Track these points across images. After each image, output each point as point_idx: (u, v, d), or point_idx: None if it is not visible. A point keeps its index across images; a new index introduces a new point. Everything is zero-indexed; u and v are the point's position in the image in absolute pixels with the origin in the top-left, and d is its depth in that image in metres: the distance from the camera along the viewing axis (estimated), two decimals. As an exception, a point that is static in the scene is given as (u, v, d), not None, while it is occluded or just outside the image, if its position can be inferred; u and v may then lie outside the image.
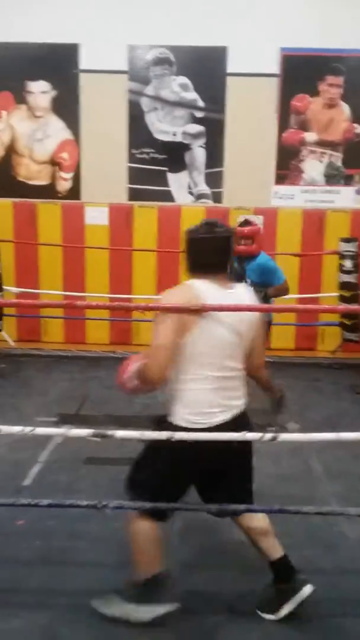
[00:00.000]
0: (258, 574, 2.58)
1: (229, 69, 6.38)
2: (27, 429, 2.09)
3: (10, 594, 2.42)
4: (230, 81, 6.41)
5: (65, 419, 4.30)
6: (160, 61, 6.48)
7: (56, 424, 4.20)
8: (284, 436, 2.40)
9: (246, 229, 4.33)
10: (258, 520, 2.38)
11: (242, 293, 2.36)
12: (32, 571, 2.58)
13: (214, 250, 2.30)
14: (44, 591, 2.45)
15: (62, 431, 2.20)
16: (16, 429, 2.10)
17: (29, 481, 3.40)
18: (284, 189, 6.59)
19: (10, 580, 2.50)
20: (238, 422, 2.24)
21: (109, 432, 2.10)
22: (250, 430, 2.20)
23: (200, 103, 6.52)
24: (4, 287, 6.01)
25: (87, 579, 2.54)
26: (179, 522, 2.91)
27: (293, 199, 6.57)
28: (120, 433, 2.16)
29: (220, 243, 2.31)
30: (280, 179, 6.57)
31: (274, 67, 6.34)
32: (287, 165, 6.55)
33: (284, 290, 4.35)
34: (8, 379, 5.35)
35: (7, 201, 6.56)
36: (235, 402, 2.28)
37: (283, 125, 6.48)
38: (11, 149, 6.67)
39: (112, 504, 2.32)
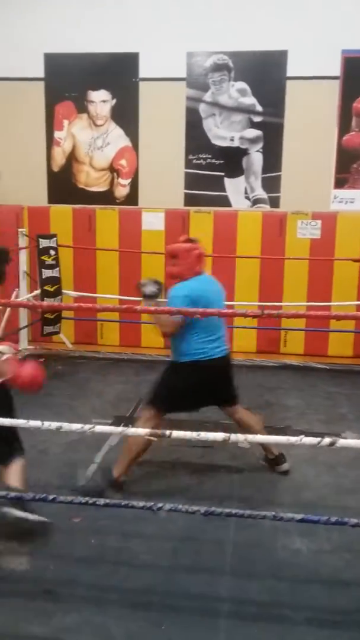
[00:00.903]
0: (312, 585, 2.51)
1: (289, 73, 6.32)
2: (87, 427, 2.11)
3: (65, 590, 2.44)
4: (290, 85, 6.34)
5: (120, 421, 4.34)
6: (218, 67, 6.49)
7: (111, 426, 4.24)
8: (343, 442, 2.32)
9: (170, 246, 3.54)
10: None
11: None
12: (87, 568, 2.60)
13: None
14: (98, 588, 2.46)
15: (120, 430, 2.21)
16: (76, 426, 2.12)
17: (84, 481, 3.43)
18: (344, 192, 6.44)
19: (65, 576, 2.53)
20: None
21: (167, 432, 2.08)
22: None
23: (259, 107, 6.48)
24: (63, 290, 6.15)
25: (141, 579, 2.54)
26: (233, 530, 2.87)
27: (354, 202, 6.41)
28: (176, 433, 2.14)
29: None
30: (340, 183, 6.43)
31: (335, 69, 6.22)
32: (347, 169, 6.40)
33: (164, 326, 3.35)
34: (65, 381, 5.45)
35: (67, 207, 6.72)
36: None
37: (344, 128, 6.34)
38: (72, 157, 6.85)
39: (167, 507, 2.31)
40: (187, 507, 2.25)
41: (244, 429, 3.42)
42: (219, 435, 2.13)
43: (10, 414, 3.02)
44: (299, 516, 2.21)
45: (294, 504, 3.17)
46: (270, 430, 4.13)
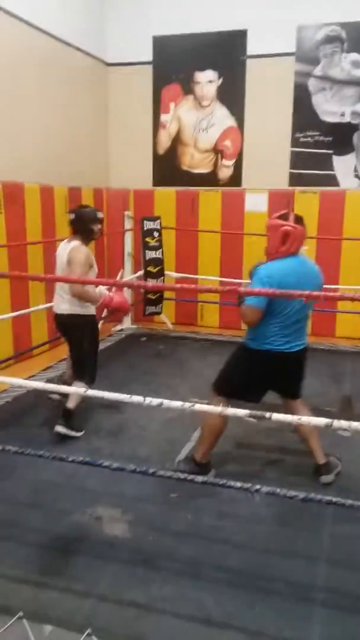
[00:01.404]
0: None
1: None
2: (187, 405, 2.15)
3: (163, 561, 2.52)
4: None
5: (218, 402, 4.37)
6: (330, 39, 6.20)
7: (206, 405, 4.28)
8: None
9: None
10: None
11: None
12: (184, 543, 2.66)
13: None
14: (193, 563, 2.51)
15: (219, 409, 2.22)
16: (176, 404, 2.16)
17: (182, 457, 3.50)
18: None
19: (163, 548, 2.61)
20: None
21: (267, 414, 2.07)
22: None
23: (373, 80, 6.12)
24: (166, 272, 6.26)
25: (236, 559, 2.56)
26: (331, 520, 2.80)
27: None
28: (277, 416, 2.12)
29: None
30: None
31: None
32: None
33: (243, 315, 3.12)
34: (166, 360, 5.58)
35: (171, 190, 6.81)
36: None
37: None
38: (177, 140, 6.90)
39: (264, 489, 2.30)
40: (285, 492, 2.22)
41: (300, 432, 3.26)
42: (321, 421, 2.07)
43: (96, 343, 3.97)
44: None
45: None
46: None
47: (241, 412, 2.20)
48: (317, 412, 4.13)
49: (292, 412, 3.11)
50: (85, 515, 2.84)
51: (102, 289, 3.92)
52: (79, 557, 2.54)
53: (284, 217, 3.05)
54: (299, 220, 3.04)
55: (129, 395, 2.32)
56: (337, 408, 4.36)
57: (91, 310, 3.86)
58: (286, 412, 2.94)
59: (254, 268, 3.11)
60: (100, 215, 3.86)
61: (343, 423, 2.05)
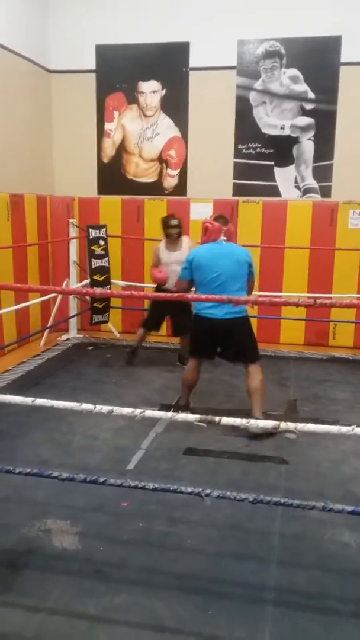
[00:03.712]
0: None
1: (343, 59, 6.17)
2: (138, 411, 2.15)
3: (114, 571, 2.49)
4: (344, 71, 6.20)
5: (166, 409, 4.37)
6: (270, 54, 6.41)
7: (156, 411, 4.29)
8: None
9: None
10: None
11: None
12: (135, 551, 2.64)
13: None
14: (146, 571, 2.50)
15: (170, 415, 2.24)
16: (127, 410, 2.16)
17: (131, 466, 3.49)
18: None
19: (114, 558, 2.58)
20: None
21: (216, 418, 2.09)
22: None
23: (311, 95, 6.36)
24: (112, 280, 6.24)
25: (188, 564, 2.56)
26: (280, 521, 2.86)
27: None
28: (226, 420, 2.15)
29: None
30: (395, 171, 6.24)
31: (392, 53, 6.04)
32: None
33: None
34: (113, 368, 5.54)
35: (117, 198, 6.81)
36: None
37: None
38: (122, 148, 6.92)
39: (214, 493, 2.33)
40: (235, 495, 2.25)
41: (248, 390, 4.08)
42: (269, 423, 2.12)
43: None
44: (349, 508, 2.18)
45: (342, 497, 3.12)
46: (319, 423, 4.07)
47: (192, 416, 2.22)
48: (264, 416, 4.23)
49: (247, 376, 4.04)
50: (33, 528, 2.77)
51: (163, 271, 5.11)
52: (28, 572, 2.47)
53: (215, 217, 4.15)
54: (219, 218, 4.11)
55: (78, 404, 2.30)
56: (283, 412, 4.46)
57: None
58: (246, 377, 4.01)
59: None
60: (172, 221, 5.18)
61: (290, 425, 2.11)
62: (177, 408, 4.28)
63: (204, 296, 3.51)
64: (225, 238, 4.04)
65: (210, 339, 4.04)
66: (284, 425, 2.08)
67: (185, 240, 5.25)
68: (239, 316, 3.94)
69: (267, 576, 2.49)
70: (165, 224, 5.19)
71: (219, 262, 3.89)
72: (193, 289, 4.12)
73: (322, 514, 2.74)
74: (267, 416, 4.21)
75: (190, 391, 4.31)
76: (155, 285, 5.33)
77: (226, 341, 4.02)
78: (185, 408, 4.28)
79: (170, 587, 2.40)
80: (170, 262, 5.12)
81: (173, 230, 5.15)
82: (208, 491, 2.28)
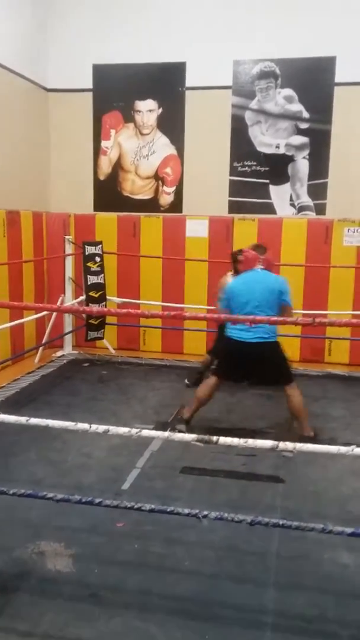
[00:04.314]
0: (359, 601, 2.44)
1: (337, 79, 6.26)
2: (134, 431, 2.12)
3: (109, 594, 2.44)
4: (337, 91, 6.28)
5: (162, 427, 4.34)
6: (265, 75, 6.49)
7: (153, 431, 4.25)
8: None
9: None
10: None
11: None
12: (131, 573, 2.59)
13: None
14: (141, 594, 2.45)
15: (166, 434, 2.21)
16: (123, 430, 2.13)
17: (127, 485, 3.44)
18: (393, 199, 6.30)
19: (109, 580, 2.53)
20: None
21: (214, 438, 2.07)
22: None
23: (305, 114, 6.44)
24: (107, 297, 6.23)
25: (185, 586, 2.51)
26: (277, 542, 2.82)
27: None
28: (224, 439, 2.12)
29: None
30: (389, 190, 6.30)
31: (386, 74, 6.13)
32: None
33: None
34: (109, 386, 5.50)
35: (113, 215, 6.83)
36: None
37: (393, 134, 6.22)
38: (118, 166, 6.96)
39: (212, 515, 2.29)
40: (233, 516, 2.22)
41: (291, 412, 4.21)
42: (266, 443, 2.10)
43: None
44: (349, 530, 2.15)
45: (340, 516, 3.08)
46: (315, 440, 4.06)
47: (188, 436, 2.19)
48: (260, 434, 4.20)
49: (287, 398, 4.15)
50: (26, 550, 2.72)
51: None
52: (21, 595, 2.42)
53: (253, 247, 4.40)
54: (257, 248, 4.37)
55: (74, 423, 2.27)
56: (279, 430, 4.43)
57: None
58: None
59: None
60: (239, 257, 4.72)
61: (288, 445, 2.09)
62: (179, 421, 4.34)
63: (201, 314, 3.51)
64: (262, 266, 4.16)
65: (239, 362, 4.06)
66: (282, 445, 2.06)
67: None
68: (269, 341, 4.02)
69: (265, 599, 2.45)
70: (235, 258, 4.77)
71: (250, 289, 4.01)
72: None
73: (320, 535, 2.70)
74: (263, 435, 4.19)
75: (199, 408, 4.32)
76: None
77: (257, 366, 4.02)
78: (187, 422, 4.30)
79: (167, 610, 2.36)
80: None
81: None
82: (205, 512, 2.25)
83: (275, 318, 3.36)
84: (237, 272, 4.77)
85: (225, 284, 4.77)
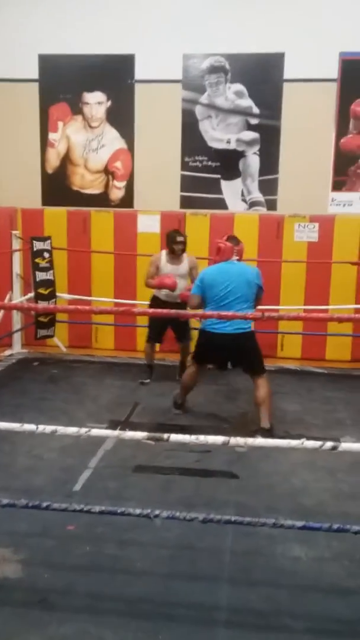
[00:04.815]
0: (312, 593, 2.46)
1: (286, 75, 6.31)
2: (83, 431, 2.05)
3: (60, 599, 2.37)
4: (287, 87, 6.33)
5: (115, 426, 4.27)
6: (215, 69, 6.47)
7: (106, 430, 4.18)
8: (345, 446, 2.27)
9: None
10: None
11: None
12: (82, 577, 2.53)
13: None
14: (93, 597, 2.39)
15: (116, 433, 2.15)
16: (72, 430, 2.06)
17: (78, 486, 3.36)
18: (341, 195, 6.42)
19: (60, 585, 2.46)
20: None
21: (164, 436, 2.03)
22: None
23: (255, 110, 6.46)
24: (57, 294, 6.09)
25: (137, 587, 2.47)
26: (231, 538, 2.81)
27: (352, 205, 6.39)
28: (175, 437, 2.08)
29: None
30: (338, 186, 6.41)
31: (333, 71, 6.23)
32: (345, 172, 6.39)
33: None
34: (60, 385, 5.38)
35: (62, 210, 6.67)
36: None
37: (341, 130, 6.33)
38: (66, 159, 6.80)
39: (164, 514, 2.25)
40: (185, 515, 2.19)
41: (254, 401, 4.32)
42: (218, 439, 2.07)
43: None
44: (299, 523, 2.15)
45: (293, 510, 3.10)
46: (270, 435, 4.09)
47: (139, 434, 2.14)
48: (214, 429, 4.19)
49: (255, 388, 4.26)
50: (-28, 557, 2.60)
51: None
52: (-34, 606, 2.31)
53: (227, 238, 4.34)
54: (231, 239, 4.34)
55: (19, 424, 2.18)
56: (234, 425, 4.44)
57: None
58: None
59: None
60: (179, 238, 5.16)
61: (239, 440, 2.07)
62: (174, 406, 4.62)
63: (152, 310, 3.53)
64: (237, 258, 4.28)
65: (218, 352, 4.27)
66: (233, 440, 2.04)
67: (185, 256, 5.22)
68: (247, 331, 4.17)
69: (219, 596, 2.43)
70: (172, 239, 5.15)
71: (228, 281, 4.09)
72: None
73: (272, 530, 2.71)
74: (218, 430, 4.18)
75: (188, 392, 4.58)
76: (150, 299, 5.29)
77: (235, 355, 4.28)
78: (181, 406, 4.60)
79: (119, 613, 2.30)
80: (175, 275, 5.10)
81: (178, 246, 5.15)
82: (157, 512, 2.21)
83: (224, 313, 3.34)
84: (172, 252, 5.15)
85: (157, 262, 5.18)
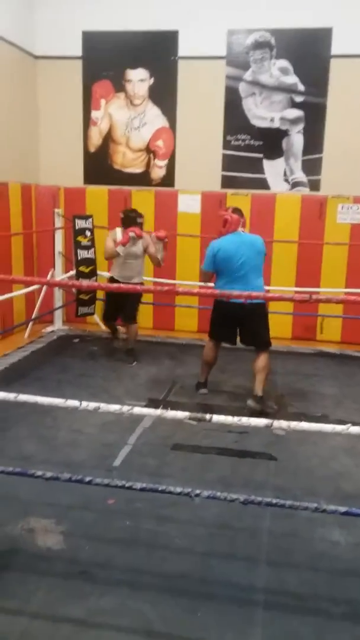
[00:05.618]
0: (351, 578, 2.44)
1: (334, 51, 6.10)
2: (125, 409, 2.07)
3: (100, 571, 2.42)
4: (334, 63, 6.14)
5: (153, 404, 4.31)
6: (260, 45, 6.31)
7: (145, 408, 4.22)
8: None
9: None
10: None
11: None
12: (122, 551, 2.58)
13: None
14: (132, 571, 2.43)
15: (159, 412, 2.16)
16: (114, 407, 2.08)
17: (118, 462, 3.42)
18: (389, 175, 6.22)
19: (100, 558, 2.51)
20: None
21: (207, 416, 2.03)
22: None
23: (301, 87, 6.29)
24: (98, 272, 6.13)
25: (176, 564, 2.50)
26: (269, 519, 2.81)
27: None
28: (217, 417, 2.08)
29: None
30: (385, 165, 6.21)
31: (384, 46, 5.98)
32: (392, 151, 6.17)
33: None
34: (99, 362, 5.45)
35: (103, 188, 6.68)
36: None
37: (391, 107, 6.10)
38: (108, 138, 6.79)
39: (204, 494, 2.26)
40: (226, 495, 2.19)
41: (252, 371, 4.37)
42: (261, 421, 2.06)
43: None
44: (342, 509, 2.13)
45: (332, 494, 3.08)
46: (307, 418, 4.06)
47: (181, 414, 2.15)
48: (251, 410, 4.18)
49: (255, 358, 4.34)
50: (16, 527, 2.68)
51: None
52: (10, 573, 2.39)
53: (229, 210, 4.40)
54: (236, 211, 4.38)
55: (63, 400, 2.21)
56: (272, 407, 4.42)
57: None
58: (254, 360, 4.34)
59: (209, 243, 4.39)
60: (139, 219, 5.26)
61: (282, 424, 2.05)
62: (197, 386, 4.63)
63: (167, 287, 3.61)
64: (243, 229, 4.36)
65: (233, 323, 4.34)
66: (276, 423, 2.02)
67: (145, 235, 5.24)
68: (260, 302, 4.28)
69: (257, 577, 2.44)
70: (132, 219, 5.19)
71: (242, 253, 4.17)
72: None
73: (312, 513, 2.69)
74: (255, 411, 4.17)
75: (210, 369, 4.61)
76: (109, 276, 5.46)
77: (247, 325, 4.32)
78: (204, 385, 4.63)
79: (158, 588, 2.34)
80: (129, 254, 5.18)
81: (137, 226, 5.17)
82: (198, 492, 2.22)
83: (271, 295, 3.33)
84: (126, 228, 5.13)
85: (116, 239, 5.18)
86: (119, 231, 5.27)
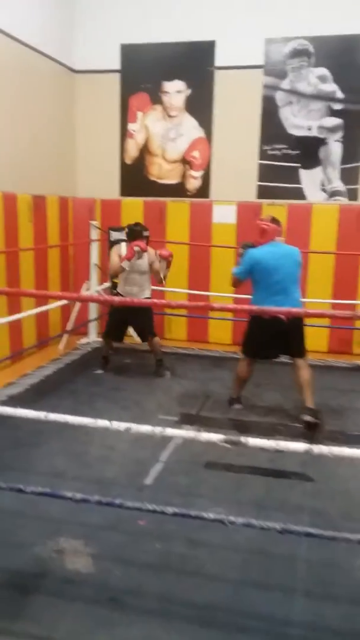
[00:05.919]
0: None
1: (374, 57, 5.94)
2: (157, 430, 2.00)
3: (130, 598, 2.35)
4: (375, 70, 5.97)
5: (186, 419, 4.23)
6: (298, 53, 6.21)
7: (177, 424, 4.14)
8: None
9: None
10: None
11: None
12: (151, 576, 2.50)
13: None
14: (162, 599, 2.35)
15: (192, 434, 2.08)
16: (145, 428, 2.01)
17: (150, 480, 3.34)
18: None
19: (130, 584, 2.44)
20: None
21: (242, 439, 1.93)
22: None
23: (340, 94, 6.16)
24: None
25: (208, 592, 2.40)
26: (306, 545, 2.68)
27: None
28: (253, 441, 1.99)
29: None
30: None
31: None
32: None
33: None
34: (132, 375, 5.41)
35: (139, 200, 6.68)
36: None
37: None
38: (144, 149, 6.79)
39: (239, 521, 2.16)
40: (261, 523, 2.09)
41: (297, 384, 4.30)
42: (300, 446, 1.95)
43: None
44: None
45: (372, 520, 2.93)
46: (345, 437, 3.91)
47: (215, 437, 2.06)
48: (286, 429, 4.05)
49: (295, 369, 4.26)
50: (46, 547, 2.64)
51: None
52: (38, 596, 2.34)
53: (267, 219, 4.34)
54: (273, 220, 4.32)
55: (94, 420, 2.16)
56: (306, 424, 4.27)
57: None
58: (293, 369, 4.26)
59: (244, 246, 4.39)
60: (145, 232, 5.08)
61: (323, 449, 1.94)
62: (231, 401, 4.54)
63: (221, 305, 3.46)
64: (281, 239, 4.33)
65: (272, 338, 4.21)
66: (316, 449, 1.92)
67: (150, 250, 5.15)
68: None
69: (293, 609, 2.32)
70: (137, 232, 5.04)
71: (281, 264, 4.14)
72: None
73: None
74: (290, 429, 4.05)
75: (245, 385, 4.54)
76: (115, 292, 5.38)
77: (286, 338, 4.22)
78: (238, 401, 4.55)
79: (189, 618, 2.25)
80: (134, 269, 5.09)
81: (143, 241, 5.05)
82: (232, 518, 2.12)
83: (312, 311, 3.22)
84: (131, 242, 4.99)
85: (120, 254, 5.04)
86: (124, 246, 5.14)
